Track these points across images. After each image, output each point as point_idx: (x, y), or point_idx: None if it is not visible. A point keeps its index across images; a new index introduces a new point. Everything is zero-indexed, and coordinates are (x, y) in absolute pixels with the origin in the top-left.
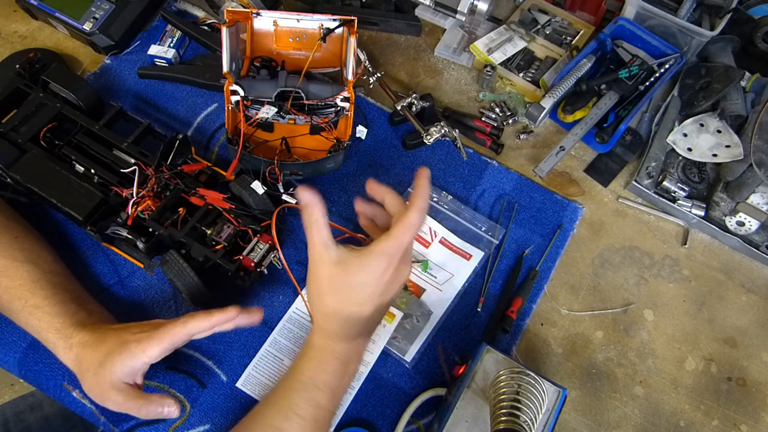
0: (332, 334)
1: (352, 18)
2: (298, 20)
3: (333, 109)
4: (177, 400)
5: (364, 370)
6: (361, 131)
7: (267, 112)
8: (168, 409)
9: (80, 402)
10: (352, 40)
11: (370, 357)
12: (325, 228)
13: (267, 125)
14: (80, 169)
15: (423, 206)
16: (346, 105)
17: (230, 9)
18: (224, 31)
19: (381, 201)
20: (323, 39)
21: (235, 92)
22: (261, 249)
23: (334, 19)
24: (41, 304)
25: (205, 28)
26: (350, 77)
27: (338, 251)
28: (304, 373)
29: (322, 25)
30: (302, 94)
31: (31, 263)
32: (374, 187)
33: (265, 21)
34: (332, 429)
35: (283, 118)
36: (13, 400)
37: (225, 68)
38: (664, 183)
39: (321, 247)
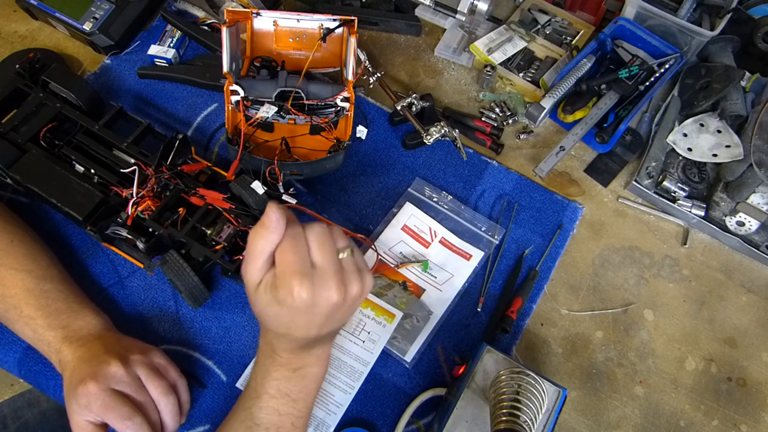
0: (272, 345)
1: (352, 18)
2: (298, 20)
3: (333, 109)
4: None
5: (364, 371)
6: (362, 131)
7: (267, 111)
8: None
9: None
10: (352, 40)
11: (370, 357)
12: (263, 256)
13: (267, 125)
14: (80, 169)
15: (262, 223)
16: (346, 105)
17: (230, 9)
18: (224, 31)
19: None
20: (323, 39)
21: (235, 92)
22: None
23: (334, 19)
24: (34, 315)
25: (205, 28)
26: (350, 77)
27: (260, 279)
28: (255, 380)
29: (322, 25)
30: (302, 94)
31: (25, 272)
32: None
33: (265, 21)
34: (333, 429)
35: (283, 118)
36: (10, 398)
37: (225, 68)
38: (664, 183)
39: (250, 270)
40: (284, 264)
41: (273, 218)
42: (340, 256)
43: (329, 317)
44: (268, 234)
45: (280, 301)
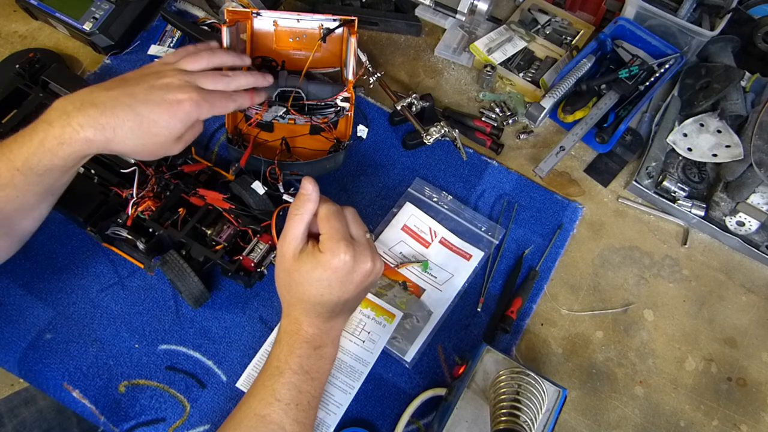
0: (298, 320)
1: (353, 18)
2: (298, 20)
3: (333, 109)
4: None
5: (364, 371)
6: (362, 130)
7: (276, 111)
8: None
9: (80, 402)
10: (353, 40)
11: (370, 357)
12: (304, 224)
13: (267, 125)
14: (80, 169)
15: (319, 200)
16: (346, 105)
17: (230, 9)
18: (224, 30)
19: None
20: (323, 39)
21: None
22: (261, 249)
23: (335, 20)
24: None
25: (205, 28)
26: (351, 77)
27: (302, 247)
28: (278, 358)
29: (322, 25)
30: (302, 94)
31: None
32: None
33: (265, 21)
34: (333, 429)
35: (283, 118)
36: (6, 396)
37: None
38: (664, 183)
39: (290, 239)
40: (332, 230)
41: (309, 188)
42: (367, 236)
43: (359, 286)
44: (307, 202)
45: (325, 264)
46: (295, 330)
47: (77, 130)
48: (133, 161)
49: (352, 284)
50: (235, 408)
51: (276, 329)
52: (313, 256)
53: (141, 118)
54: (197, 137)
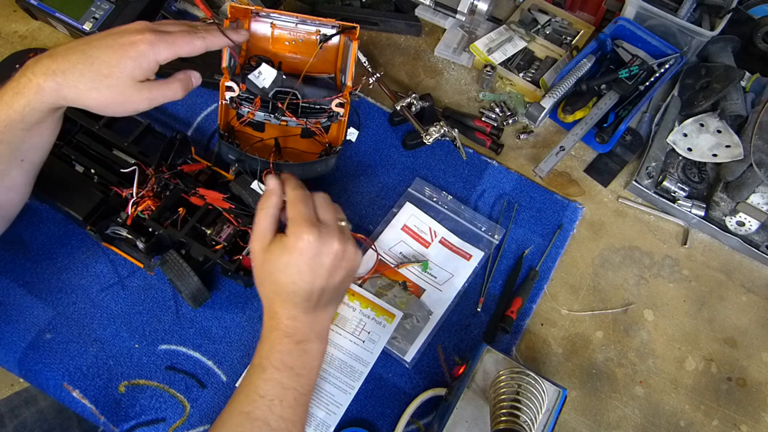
0: (277, 314)
1: (354, 25)
2: (296, 24)
3: (327, 113)
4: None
5: (364, 371)
6: (352, 133)
7: (264, 79)
8: (194, 77)
9: (80, 402)
10: (354, 46)
11: (370, 357)
12: (270, 218)
13: (258, 125)
14: (80, 169)
15: (292, 183)
16: (341, 111)
17: (233, 4)
18: (227, 25)
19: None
20: (320, 46)
21: (230, 89)
22: None
23: (334, 26)
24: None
25: (212, 11)
26: (349, 83)
27: (269, 239)
28: (261, 355)
29: (318, 30)
30: (298, 95)
31: None
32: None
33: (263, 22)
34: (333, 429)
35: (277, 119)
36: (7, 397)
37: (224, 63)
38: (664, 183)
39: (259, 234)
40: (295, 214)
41: (272, 183)
42: (341, 223)
43: (331, 271)
44: (271, 196)
45: (291, 248)
46: (275, 325)
47: (30, 78)
48: (132, 161)
49: (322, 268)
50: (223, 410)
51: None
52: (279, 242)
53: (91, 60)
54: (197, 139)
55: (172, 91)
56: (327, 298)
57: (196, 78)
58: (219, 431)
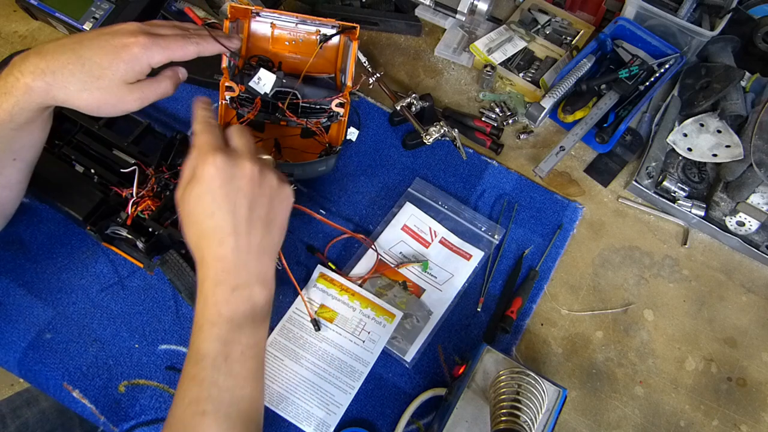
0: (205, 261)
1: (354, 25)
2: (296, 24)
3: (327, 113)
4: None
5: (364, 371)
6: (352, 133)
7: (264, 84)
8: (181, 72)
9: (80, 402)
10: (354, 46)
11: (370, 357)
12: (189, 168)
13: (258, 125)
14: (80, 169)
15: (198, 115)
16: (341, 111)
17: (233, 4)
18: (227, 25)
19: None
20: (320, 46)
21: (230, 89)
22: None
23: (334, 26)
24: None
25: (211, 31)
26: (349, 83)
27: (189, 185)
28: (196, 315)
29: (318, 30)
30: (298, 95)
31: None
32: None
33: (263, 22)
34: (333, 429)
35: (278, 120)
36: (9, 397)
37: (224, 63)
38: (664, 183)
39: (180, 183)
40: (201, 144)
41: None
42: (263, 157)
43: (252, 198)
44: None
45: (200, 178)
46: (204, 275)
47: (18, 77)
48: (132, 161)
49: (240, 193)
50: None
51: (274, 334)
52: (190, 179)
53: (83, 60)
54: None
55: (162, 88)
56: (258, 233)
57: (182, 73)
58: (174, 400)
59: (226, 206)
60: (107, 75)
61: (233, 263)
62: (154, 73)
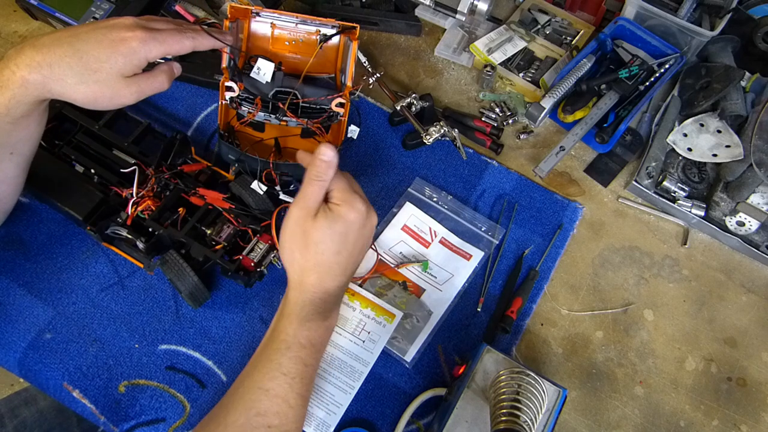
0: (312, 287)
1: (354, 25)
2: (296, 24)
3: (327, 113)
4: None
5: (364, 371)
6: (353, 131)
7: (264, 74)
8: (176, 67)
9: (80, 402)
10: (354, 46)
11: (370, 357)
12: (324, 190)
13: (258, 125)
14: (80, 169)
15: (321, 160)
16: (341, 111)
17: (233, 4)
18: (227, 25)
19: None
20: (320, 46)
21: (230, 89)
22: (261, 249)
23: (334, 26)
24: None
25: (206, 27)
26: (349, 83)
27: (316, 209)
28: (286, 332)
29: (318, 30)
30: (298, 95)
31: None
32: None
33: (263, 22)
34: (333, 429)
35: (278, 120)
36: (7, 397)
37: (224, 63)
38: (664, 183)
39: (310, 201)
40: (343, 185)
41: (330, 154)
42: None
43: (366, 241)
44: (329, 168)
45: (344, 217)
46: (308, 300)
47: (13, 71)
48: (132, 161)
49: (362, 238)
50: (236, 381)
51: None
52: (331, 211)
53: (80, 54)
54: (197, 139)
55: (158, 82)
56: (353, 267)
57: (177, 68)
58: (233, 405)
59: (351, 249)
60: (105, 68)
61: (334, 298)
62: (149, 67)
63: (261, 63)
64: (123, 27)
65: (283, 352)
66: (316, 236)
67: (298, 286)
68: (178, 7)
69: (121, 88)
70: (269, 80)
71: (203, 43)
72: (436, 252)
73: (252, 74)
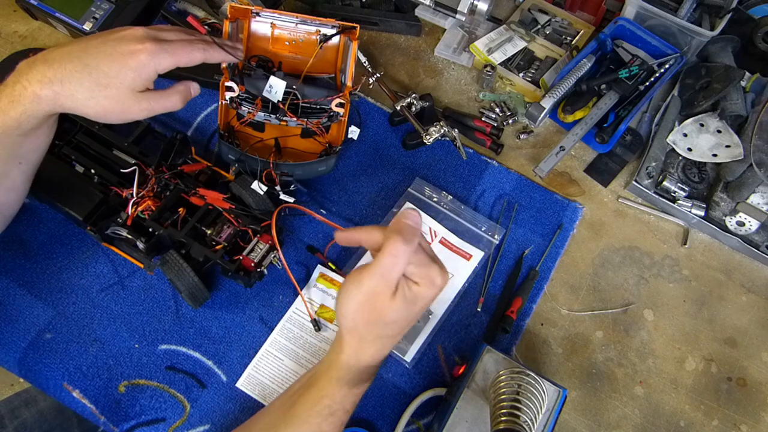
0: (365, 357)
1: (354, 25)
2: (296, 24)
3: (327, 113)
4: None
5: None
6: (354, 131)
7: (276, 92)
8: (193, 88)
9: (80, 402)
10: (354, 46)
11: None
12: (405, 265)
13: (258, 125)
14: (80, 169)
15: (404, 235)
16: (341, 111)
17: (233, 4)
18: (227, 25)
19: (359, 245)
20: (320, 46)
21: (230, 89)
22: (261, 249)
23: (334, 26)
24: None
25: (206, 27)
26: (349, 83)
27: (395, 285)
28: (333, 398)
29: (318, 30)
30: (299, 95)
31: None
32: (344, 237)
33: (263, 22)
34: None
35: (278, 120)
36: (7, 397)
37: (224, 63)
38: (664, 183)
39: (391, 278)
40: (426, 261)
41: (417, 218)
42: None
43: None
44: (415, 238)
45: (423, 296)
46: (362, 368)
47: (25, 86)
48: (132, 162)
49: (428, 305)
50: (264, 418)
51: (274, 334)
52: (410, 291)
53: (90, 69)
54: (197, 139)
55: (171, 102)
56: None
57: (195, 89)
58: (301, 418)
59: (414, 319)
60: (114, 83)
61: (382, 358)
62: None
63: (273, 81)
64: (133, 39)
65: (326, 417)
66: (390, 317)
67: (354, 354)
68: (190, 19)
69: (131, 104)
70: (280, 99)
71: (214, 56)
72: (436, 252)
73: (264, 93)
